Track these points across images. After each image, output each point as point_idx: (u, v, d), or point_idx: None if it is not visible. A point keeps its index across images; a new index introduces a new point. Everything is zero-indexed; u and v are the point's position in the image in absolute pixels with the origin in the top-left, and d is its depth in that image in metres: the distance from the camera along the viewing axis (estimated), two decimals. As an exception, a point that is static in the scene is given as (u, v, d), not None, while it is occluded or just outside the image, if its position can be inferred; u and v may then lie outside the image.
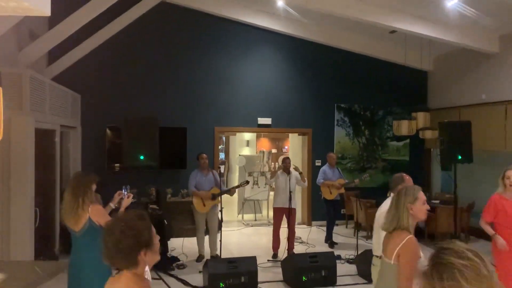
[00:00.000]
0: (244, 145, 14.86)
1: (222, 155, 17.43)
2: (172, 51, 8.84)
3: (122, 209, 3.76)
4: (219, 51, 9.05)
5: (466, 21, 7.53)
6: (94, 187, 3.51)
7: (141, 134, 5.28)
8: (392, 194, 3.65)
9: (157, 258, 1.90)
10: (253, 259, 5.51)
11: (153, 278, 5.42)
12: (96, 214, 3.44)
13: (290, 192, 6.82)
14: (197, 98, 8.92)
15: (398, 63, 9.57)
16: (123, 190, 3.87)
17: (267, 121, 9.27)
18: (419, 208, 2.73)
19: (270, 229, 7.46)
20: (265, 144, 16.37)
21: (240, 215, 10.13)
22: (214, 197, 6.65)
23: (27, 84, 5.22)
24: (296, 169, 7.21)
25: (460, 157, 6.33)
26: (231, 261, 5.48)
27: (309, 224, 9.46)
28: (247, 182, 7.29)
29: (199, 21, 8.93)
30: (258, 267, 5.89)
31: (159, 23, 8.76)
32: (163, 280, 5.31)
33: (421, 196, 2.75)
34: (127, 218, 1.87)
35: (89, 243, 3.44)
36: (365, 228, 8.50)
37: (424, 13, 7.53)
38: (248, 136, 14.58)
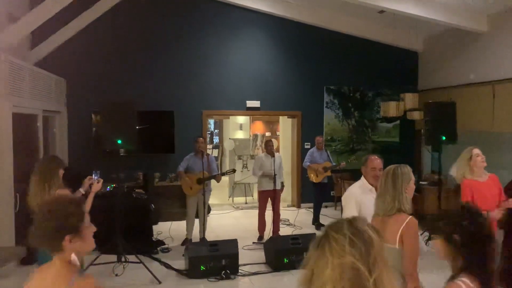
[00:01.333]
0: (238, 128, 14.79)
1: (216, 139, 17.44)
2: (158, 34, 8.73)
3: (91, 194, 3.74)
4: (207, 33, 8.93)
5: (454, 0, 7.42)
6: (61, 172, 3.48)
7: (118, 119, 5.23)
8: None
9: (88, 247, 1.85)
10: (234, 242, 5.52)
11: (133, 262, 5.46)
12: None
13: (274, 174, 6.80)
14: (185, 81, 8.84)
15: (389, 44, 9.46)
16: (94, 175, 3.85)
17: (256, 104, 9.20)
18: (411, 187, 2.71)
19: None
20: (259, 127, 16.28)
21: (231, 199, 10.15)
22: (199, 181, 6.62)
23: (4, 69, 5.15)
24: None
25: (444, 138, 6.32)
26: (212, 244, 5.49)
27: (298, 207, 9.48)
28: (234, 171, 7.29)
29: (186, 2, 8.80)
30: (243, 250, 5.92)
31: (146, 4, 8.63)
32: (143, 263, 5.32)
33: (412, 176, 2.75)
34: (60, 201, 1.83)
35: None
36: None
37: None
38: (241, 119, 14.50)
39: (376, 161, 3.56)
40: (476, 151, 4.20)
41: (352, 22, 9.31)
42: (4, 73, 5.16)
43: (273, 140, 9.79)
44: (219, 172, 7.11)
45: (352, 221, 1.34)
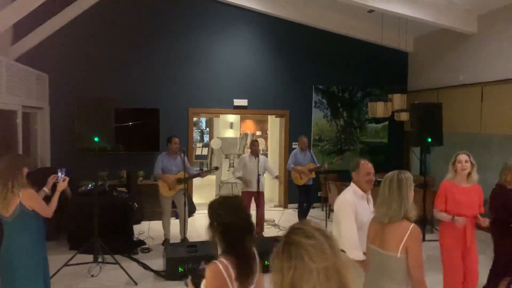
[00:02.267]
0: (228, 127, 14.67)
1: (206, 138, 17.32)
2: (144, 30, 8.59)
3: (57, 192, 3.61)
4: (193, 30, 8.80)
5: (444, 1, 7.34)
6: (25, 170, 3.35)
7: (95, 115, 5.10)
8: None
9: None
10: (214, 243, 5.39)
11: (110, 263, 5.34)
12: (28, 198, 3.29)
13: (258, 175, 6.70)
14: (171, 78, 8.71)
15: (378, 43, 9.37)
16: (59, 173, 3.71)
17: (243, 102, 9.08)
18: (412, 194, 2.70)
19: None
20: (249, 126, 16.18)
21: (218, 198, 10.02)
22: (180, 181, 6.49)
23: (-24, 62, 5.01)
24: (277, 177, 7.29)
25: (429, 140, 6.22)
26: (191, 245, 5.38)
27: (285, 207, 9.38)
28: (216, 168, 7.17)
29: (172, -2, 8.68)
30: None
31: (131, 1, 8.49)
32: (119, 264, 5.19)
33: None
34: None
35: (22, 229, 3.30)
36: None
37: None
38: (231, 118, 14.38)
39: (368, 165, 3.44)
40: (460, 157, 4.08)
41: (341, 21, 9.22)
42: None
43: (259, 140, 9.66)
44: (201, 170, 6.97)
45: (314, 225, 1.38)
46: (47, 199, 3.54)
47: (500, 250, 4.38)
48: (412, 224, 2.56)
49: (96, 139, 5.06)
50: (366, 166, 3.42)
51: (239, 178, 6.92)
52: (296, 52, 9.33)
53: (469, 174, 4.03)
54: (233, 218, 2.06)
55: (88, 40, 8.28)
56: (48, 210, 3.42)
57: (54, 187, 3.70)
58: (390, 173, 2.73)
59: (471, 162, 4.02)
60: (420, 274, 2.52)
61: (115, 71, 8.42)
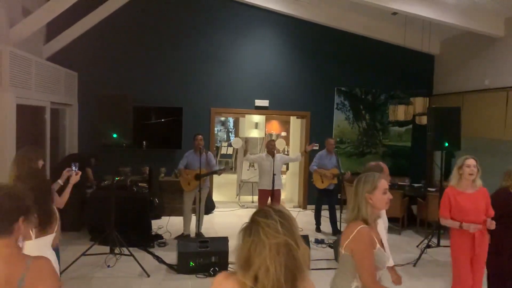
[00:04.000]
0: (253, 127, 14.79)
1: (232, 137, 17.50)
2: (170, 31, 8.83)
3: (70, 185, 3.81)
4: (217, 30, 8.98)
5: (470, 3, 7.19)
6: (41, 163, 3.55)
7: (114, 112, 5.32)
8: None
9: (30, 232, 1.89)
10: (225, 240, 5.53)
11: (125, 254, 5.56)
12: None
13: (273, 174, 6.79)
14: (194, 78, 8.92)
15: (403, 46, 9.26)
16: (73, 167, 3.91)
17: (265, 103, 9.19)
18: (379, 198, 2.54)
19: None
20: (275, 126, 16.26)
21: (238, 197, 10.17)
22: (197, 177, 6.68)
23: (6, 60, 5.32)
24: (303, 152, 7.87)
25: (447, 144, 6.13)
26: (203, 240, 5.52)
27: (305, 208, 9.41)
28: (224, 169, 7.25)
29: (197, 0, 8.87)
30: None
31: (158, 1, 8.75)
32: (133, 256, 5.40)
33: (382, 185, 2.56)
34: (10, 186, 1.88)
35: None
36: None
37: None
38: (256, 118, 14.49)
39: (386, 179, 2.86)
40: (469, 162, 4.03)
41: (364, 22, 9.17)
42: (6, 65, 5.33)
43: (281, 140, 9.75)
44: (220, 168, 7.12)
45: (274, 207, 1.58)
46: (61, 190, 3.76)
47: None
48: (362, 225, 2.49)
49: (114, 135, 5.28)
50: (384, 182, 2.75)
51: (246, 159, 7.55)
52: (318, 53, 9.35)
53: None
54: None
55: (115, 40, 8.60)
56: (59, 201, 3.62)
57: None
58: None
59: (477, 167, 3.98)
60: (365, 279, 2.44)
61: (141, 71, 8.70)
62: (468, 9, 7.38)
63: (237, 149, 15.22)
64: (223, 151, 15.72)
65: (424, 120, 7.85)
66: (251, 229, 1.53)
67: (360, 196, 2.55)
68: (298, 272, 1.50)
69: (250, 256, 1.49)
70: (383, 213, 3.31)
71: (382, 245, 2.58)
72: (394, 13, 8.14)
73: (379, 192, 2.55)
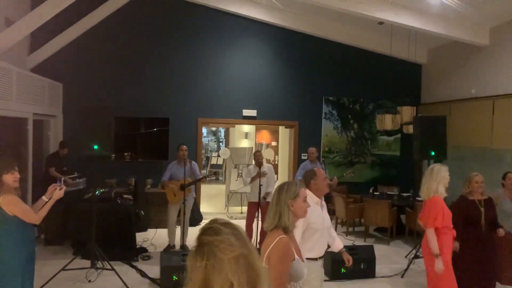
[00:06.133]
0: (243, 137, 14.73)
1: (222, 146, 17.42)
2: (156, 41, 8.78)
3: (51, 200, 3.70)
4: (203, 41, 8.94)
5: (455, 13, 7.22)
6: (8, 176, 3.43)
7: (95, 123, 5.24)
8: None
9: None
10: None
11: (106, 269, 5.43)
12: (7, 203, 3.37)
13: (260, 185, 6.70)
14: (181, 88, 8.86)
15: (390, 55, 9.28)
16: (58, 183, 3.80)
17: (252, 113, 9.13)
18: (300, 205, 2.59)
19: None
20: (265, 136, 16.23)
21: (227, 208, 10.06)
22: (182, 187, 6.58)
23: (-16, 71, 5.23)
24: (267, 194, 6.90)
25: (433, 153, 6.10)
26: (186, 254, 5.40)
27: (293, 218, 9.31)
28: (215, 173, 7.20)
29: (184, 10, 8.84)
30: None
31: (144, 12, 8.71)
32: (114, 270, 5.27)
33: (303, 193, 2.62)
34: None
35: (4, 233, 3.40)
36: (345, 223, 8.31)
37: (410, 4, 7.25)
38: (247, 128, 14.44)
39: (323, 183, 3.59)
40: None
41: (351, 32, 9.19)
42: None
43: (270, 150, 9.69)
44: (204, 176, 7.04)
45: (221, 221, 1.52)
46: None
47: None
48: (282, 236, 2.43)
49: (95, 147, 5.19)
50: (321, 171, 3.64)
51: (245, 183, 7.08)
52: (305, 63, 9.34)
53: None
54: None
55: (101, 51, 8.52)
56: (34, 217, 3.51)
57: None
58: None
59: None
60: None
61: (128, 81, 8.63)
62: (453, 18, 7.42)
63: (225, 159, 15.19)
64: (213, 161, 15.64)
65: (411, 129, 7.82)
66: (203, 252, 1.43)
67: (283, 203, 2.55)
68: (258, 277, 1.47)
69: (207, 279, 1.41)
70: (325, 210, 3.61)
71: (300, 255, 2.55)
72: (381, 23, 8.16)
73: (300, 200, 2.61)
